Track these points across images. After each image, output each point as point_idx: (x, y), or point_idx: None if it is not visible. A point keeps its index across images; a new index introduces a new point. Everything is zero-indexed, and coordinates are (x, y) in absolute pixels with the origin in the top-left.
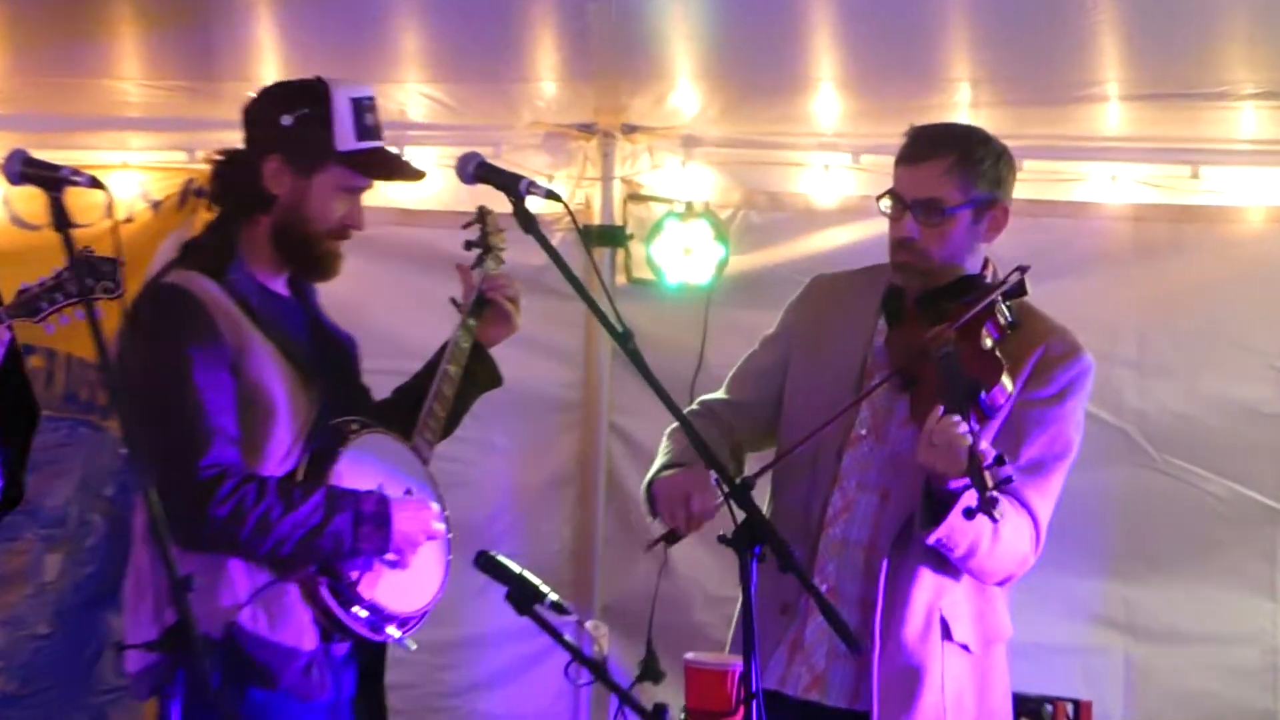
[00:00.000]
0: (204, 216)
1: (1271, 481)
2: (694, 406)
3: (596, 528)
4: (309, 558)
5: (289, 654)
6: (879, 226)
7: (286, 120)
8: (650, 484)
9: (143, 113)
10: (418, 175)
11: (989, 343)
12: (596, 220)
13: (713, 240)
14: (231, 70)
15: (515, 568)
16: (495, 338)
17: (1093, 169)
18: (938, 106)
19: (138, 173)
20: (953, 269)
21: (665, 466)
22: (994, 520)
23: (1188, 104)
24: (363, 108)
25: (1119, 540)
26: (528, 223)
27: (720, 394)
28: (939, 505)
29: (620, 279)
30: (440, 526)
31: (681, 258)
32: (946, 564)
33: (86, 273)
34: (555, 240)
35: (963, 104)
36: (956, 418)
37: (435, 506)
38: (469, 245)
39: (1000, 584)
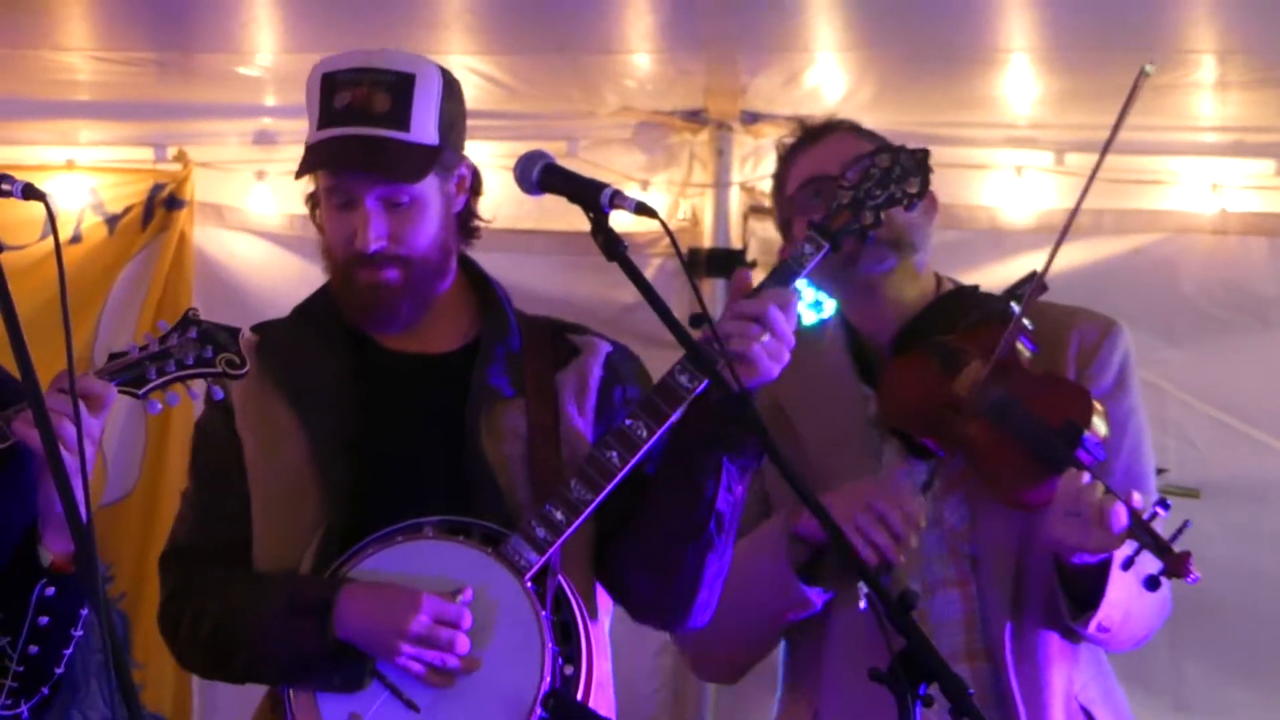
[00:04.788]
0: (182, 237)
1: None
2: None
3: None
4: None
5: None
6: (1090, 250)
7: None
8: (790, 518)
9: (95, 95)
10: (401, 173)
11: (1028, 355)
12: (707, 242)
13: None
14: (213, 38)
15: (597, 715)
16: None
17: None
18: (1170, 86)
19: (88, 175)
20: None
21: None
22: (1193, 578)
23: None
24: (335, 83)
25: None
26: (613, 247)
27: None
28: (1081, 583)
29: None
30: (436, 635)
31: (812, 300)
32: (1070, 643)
33: (205, 340)
34: (650, 270)
35: (1205, 83)
36: (1085, 477)
37: (444, 600)
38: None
39: (1136, 645)
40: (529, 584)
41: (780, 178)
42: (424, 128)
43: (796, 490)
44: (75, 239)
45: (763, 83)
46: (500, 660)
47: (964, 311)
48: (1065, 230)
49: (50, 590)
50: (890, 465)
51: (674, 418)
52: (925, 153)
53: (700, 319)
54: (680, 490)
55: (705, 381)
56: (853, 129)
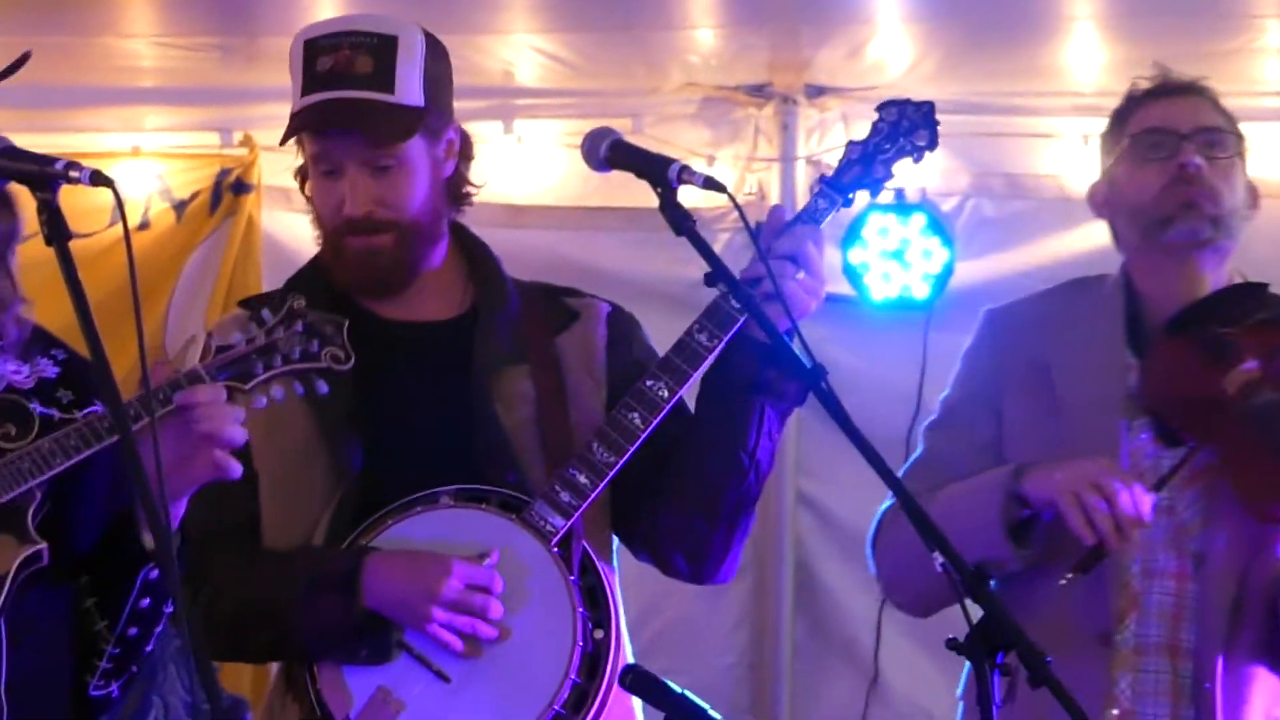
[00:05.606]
0: (250, 221)
1: None
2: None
3: (782, 631)
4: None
5: None
6: None
7: None
8: (1018, 477)
9: (160, 81)
10: (385, 123)
11: None
12: None
13: (933, 241)
14: (276, 21)
15: (675, 688)
16: None
17: None
18: (1237, 52)
19: (155, 162)
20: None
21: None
22: None
23: None
24: (316, 49)
25: None
26: (681, 222)
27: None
28: None
29: None
30: (470, 600)
31: (890, 265)
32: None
33: (311, 334)
34: (718, 245)
35: (1272, 48)
36: None
37: (472, 564)
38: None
39: None
40: (555, 549)
41: (1117, 129)
42: (408, 89)
43: (858, 446)
44: (143, 225)
45: (826, 56)
46: (530, 627)
47: (1251, 307)
48: None
49: (154, 574)
50: (1138, 446)
51: (694, 377)
52: (930, 105)
53: (713, 278)
54: (722, 440)
55: (724, 339)
56: (1211, 98)
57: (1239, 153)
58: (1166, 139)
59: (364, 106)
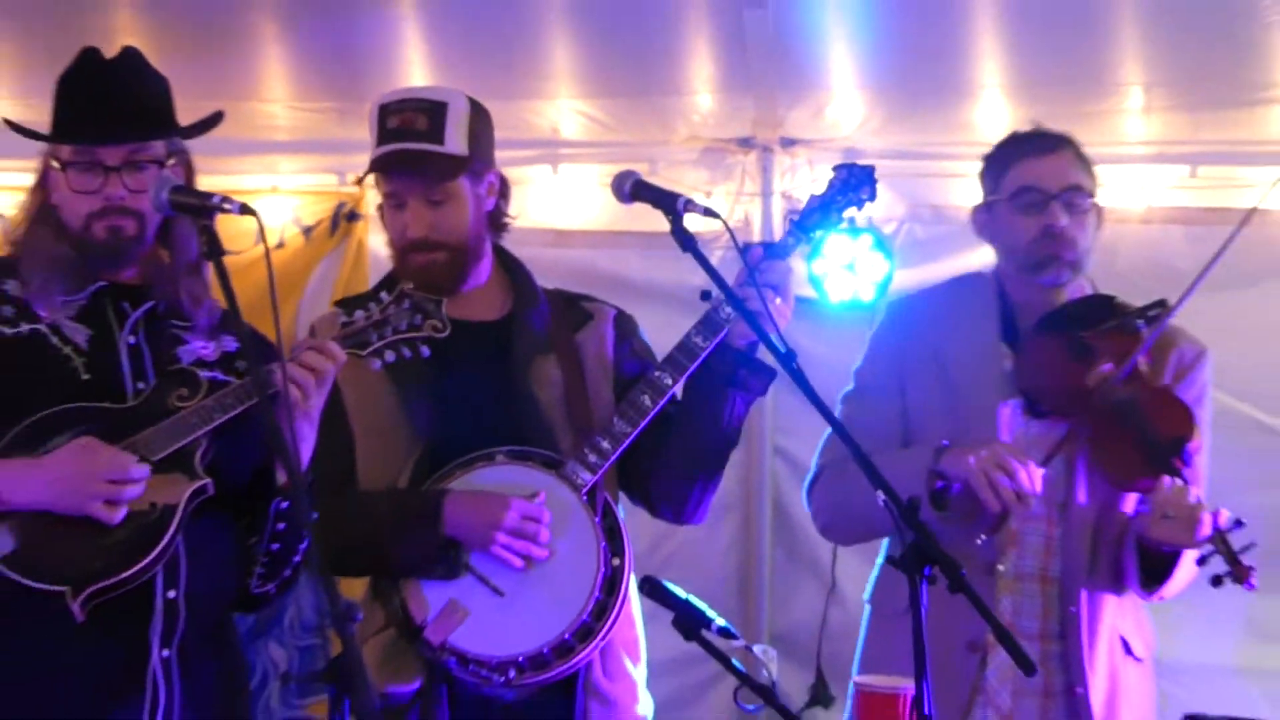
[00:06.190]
0: (359, 243)
1: None
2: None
3: (763, 555)
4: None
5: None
6: None
7: None
8: (938, 457)
9: (292, 136)
10: (436, 167)
11: (1146, 368)
12: (756, 237)
13: (877, 256)
14: (380, 91)
15: (681, 593)
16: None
17: (1272, 175)
18: (1108, 112)
19: (288, 197)
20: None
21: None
22: (1250, 587)
23: None
24: (387, 112)
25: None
26: (686, 241)
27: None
28: (1153, 561)
29: None
30: (527, 526)
31: (844, 274)
32: (1121, 587)
33: (416, 310)
34: (715, 259)
35: (1134, 109)
36: (1193, 493)
37: (526, 501)
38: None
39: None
40: (584, 497)
41: (997, 172)
42: (455, 142)
43: (819, 410)
44: (279, 245)
45: (796, 115)
46: (565, 555)
47: (1104, 315)
48: (1218, 256)
49: (284, 504)
50: (1012, 418)
51: (691, 369)
52: (872, 168)
53: (708, 294)
54: (703, 420)
55: (715, 342)
56: (1075, 152)
57: (1094, 203)
58: (1038, 198)
59: (420, 155)
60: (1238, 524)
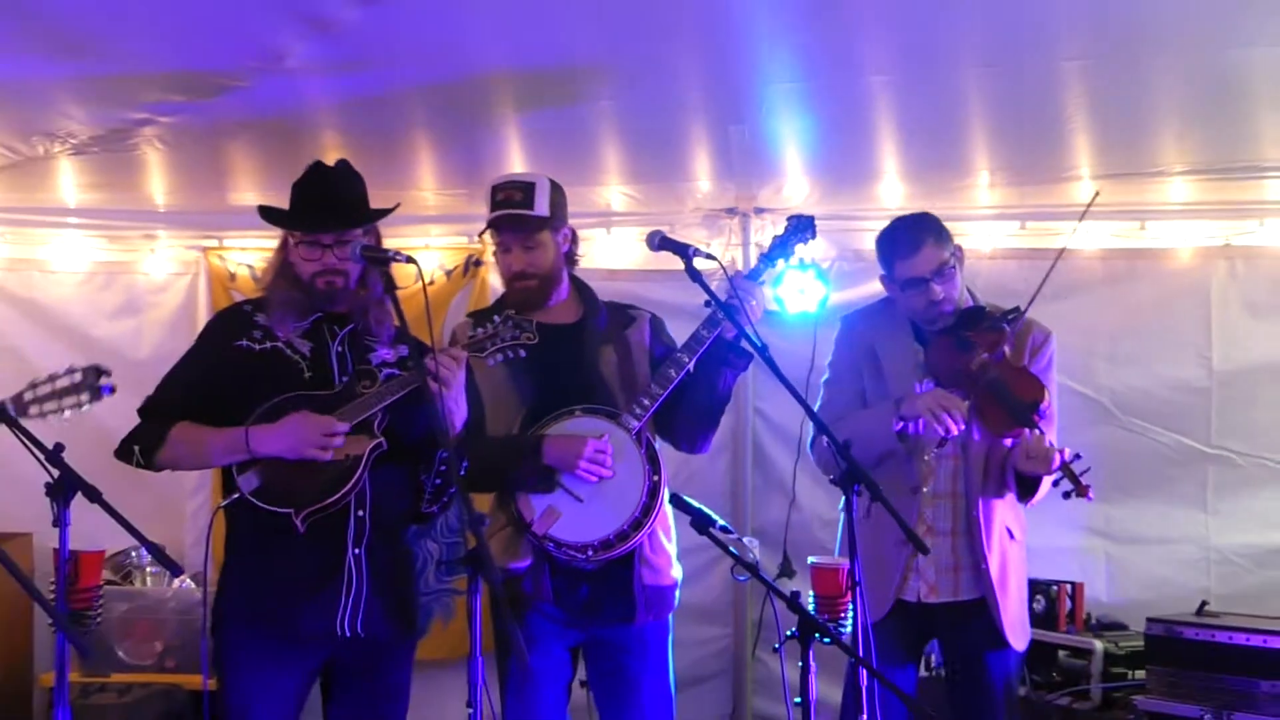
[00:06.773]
0: (482, 280)
1: (1201, 433)
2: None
3: (746, 479)
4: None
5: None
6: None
7: None
8: (898, 405)
9: (438, 211)
10: (529, 224)
11: (1008, 351)
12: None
13: (818, 283)
14: (491, 178)
15: (695, 503)
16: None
17: (1070, 226)
18: (966, 187)
19: (436, 252)
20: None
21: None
22: (1089, 499)
23: (1136, 180)
24: (496, 189)
25: (1103, 476)
26: (695, 275)
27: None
28: (1026, 483)
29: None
30: (598, 456)
31: (797, 295)
32: (1003, 495)
33: (515, 326)
34: (712, 285)
35: (983, 185)
36: (1047, 439)
37: (597, 440)
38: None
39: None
40: (634, 435)
41: (887, 262)
42: (541, 207)
43: (785, 386)
44: (430, 283)
45: (764, 193)
46: (622, 474)
47: (980, 320)
48: (1045, 279)
49: (443, 454)
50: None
51: (700, 353)
52: (812, 218)
53: (709, 303)
54: (707, 387)
55: (713, 336)
56: (936, 234)
57: (957, 264)
58: (920, 282)
59: (519, 217)
60: (1077, 456)
